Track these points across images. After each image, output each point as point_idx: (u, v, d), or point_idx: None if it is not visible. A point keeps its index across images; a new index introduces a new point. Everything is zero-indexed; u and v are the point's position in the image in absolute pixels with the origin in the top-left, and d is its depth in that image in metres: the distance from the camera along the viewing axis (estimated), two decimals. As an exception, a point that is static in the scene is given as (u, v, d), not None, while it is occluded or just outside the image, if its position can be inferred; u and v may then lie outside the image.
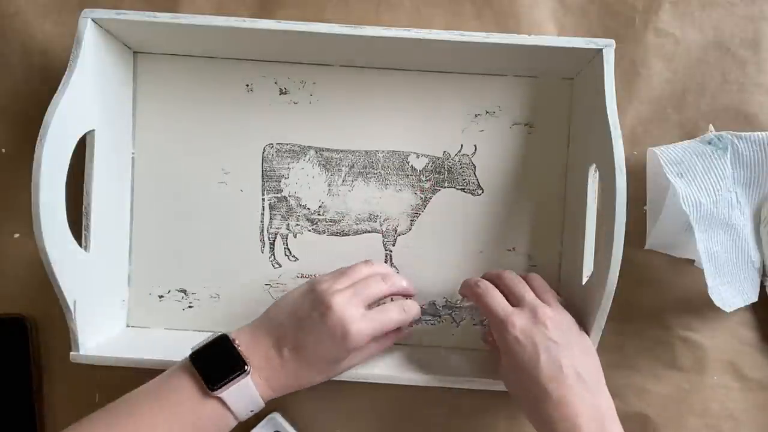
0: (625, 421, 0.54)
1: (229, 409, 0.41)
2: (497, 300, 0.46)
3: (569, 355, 0.43)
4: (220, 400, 0.41)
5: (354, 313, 0.43)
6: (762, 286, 0.53)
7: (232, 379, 0.41)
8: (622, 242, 0.43)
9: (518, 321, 0.44)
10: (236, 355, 0.42)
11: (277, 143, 0.55)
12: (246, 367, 0.41)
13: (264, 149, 0.55)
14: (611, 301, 0.44)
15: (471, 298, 0.48)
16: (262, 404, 0.43)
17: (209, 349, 0.43)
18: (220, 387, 0.41)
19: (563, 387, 0.41)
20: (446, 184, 0.55)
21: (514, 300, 0.46)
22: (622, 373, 0.54)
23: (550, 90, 0.54)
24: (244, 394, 0.42)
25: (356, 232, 0.55)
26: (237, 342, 0.43)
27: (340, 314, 0.43)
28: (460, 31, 0.48)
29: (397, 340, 0.50)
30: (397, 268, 0.55)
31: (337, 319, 0.43)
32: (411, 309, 0.47)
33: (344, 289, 0.45)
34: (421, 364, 0.52)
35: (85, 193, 0.50)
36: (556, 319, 0.45)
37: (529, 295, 0.46)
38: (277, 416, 0.53)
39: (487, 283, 0.48)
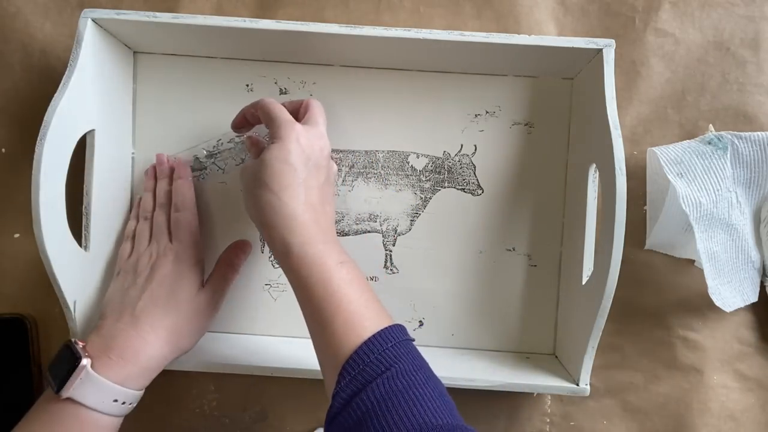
0: (625, 420, 0.55)
1: (85, 405, 0.41)
2: (279, 108, 0.46)
3: (318, 188, 0.45)
4: (72, 400, 0.41)
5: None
6: (762, 286, 0.53)
7: (71, 376, 0.41)
8: (622, 242, 0.43)
9: (299, 126, 0.45)
10: (74, 353, 0.42)
11: (277, 143, 0.55)
12: (79, 361, 0.41)
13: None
14: (611, 301, 0.44)
15: (256, 111, 0.48)
16: (123, 390, 0.42)
17: (57, 357, 0.43)
18: (64, 387, 0.41)
19: (309, 190, 0.44)
20: (446, 184, 0.55)
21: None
22: (622, 373, 0.54)
23: (550, 90, 0.54)
24: (91, 385, 0.41)
25: (356, 232, 0.55)
26: (77, 341, 0.43)
27: (163, 273, 0.47)
28: (460, 31, 0.48)
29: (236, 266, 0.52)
30: (397, 269, 0.55)
31: (162, 276, 0.47)
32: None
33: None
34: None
35: (85, 193, 0.50)
36: (325, 150, 0.46)
37: (312, 115, 0.47)
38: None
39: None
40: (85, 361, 0.41)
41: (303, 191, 0.43)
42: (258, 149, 0.49)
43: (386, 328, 0.39)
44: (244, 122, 0.50)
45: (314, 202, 0.44)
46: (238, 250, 0.53)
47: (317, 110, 0.48)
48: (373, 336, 0.38)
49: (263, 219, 0.43)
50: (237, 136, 0.54)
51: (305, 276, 0.41)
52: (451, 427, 0.34)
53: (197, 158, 0.54)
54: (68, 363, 0.41)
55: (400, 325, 0.41)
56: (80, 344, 0.43)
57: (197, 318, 0.47)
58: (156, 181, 0.53)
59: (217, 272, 0.50)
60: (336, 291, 0.40)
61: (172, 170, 0.53)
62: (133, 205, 0.54)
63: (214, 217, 0.55)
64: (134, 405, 0.44)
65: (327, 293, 0.40)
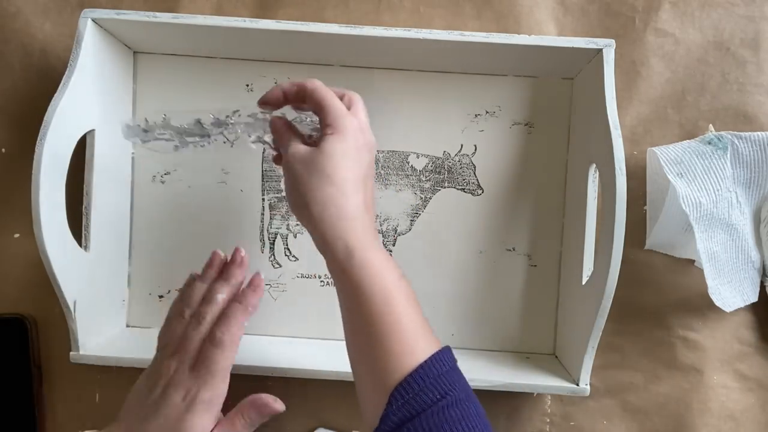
0: (625, 420, 0.55)
1: None
2: (330, 93, 0.43)
3: (366, 182, 0.42)
4: None
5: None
6: (762, 286, 0.53)
7: None
8: (622, 242, 0.43)
9: (361, 115, 0.43)
10: None
11: (277, 143, 0.55)
12: None
13: (264, 149, 0.55)
14: (611, 301, 0.44)
15: (299, 92, 0.43)
16: None
17: None
18: None
19: (366, 192, 0.41)
20: (446, 184, 0.55)
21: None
22: (622, 373, 0.54)
23: (550, 90, 0.54)
24: None
25: (356, 232, 0.55)
26: None
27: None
28: (460, 31, 0.48)
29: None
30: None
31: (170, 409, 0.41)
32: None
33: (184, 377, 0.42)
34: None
35: (85, 193, 0.50)
36: (373, 144, 0.44)
37: (356, 105, 0.44)
38: (323, 431, 0.53)
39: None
40: None
41: (362, 189, 0.40)
42: (289, 136, 0.44)
43: (440, 351, 0.37)
44: (278, 100, 0.45)
45: (370, 203, 0.41)
46: (261, 410, 0.45)
47: (361, 104, 0.45)
48: (429, 359, 0.36)
49: (323, 214, 0.39)
50: (262, 112, 0.47)
51: (367, 285, 0.37)
52: None
53: (200, 122, 0.47)
54: None
55: (449, 349, 0.38)
56: None
57: None
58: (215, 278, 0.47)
59: (229, 422, 0.44)
60: (396, 306, 0.37)
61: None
62: (186, 283, 0.47)
63: (212, 218, 0.55)
64: None
65: (387, 308, 0.37)
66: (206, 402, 0.41)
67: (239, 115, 0.48)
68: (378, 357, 0.36)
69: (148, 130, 0.47)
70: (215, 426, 0.42)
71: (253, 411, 0.44)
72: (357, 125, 0.42)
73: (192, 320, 0.44)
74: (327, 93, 0.42)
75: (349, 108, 0.43)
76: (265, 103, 0.45)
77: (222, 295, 0.45)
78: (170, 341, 0.44)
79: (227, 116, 0.47)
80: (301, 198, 0.40)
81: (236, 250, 0.47)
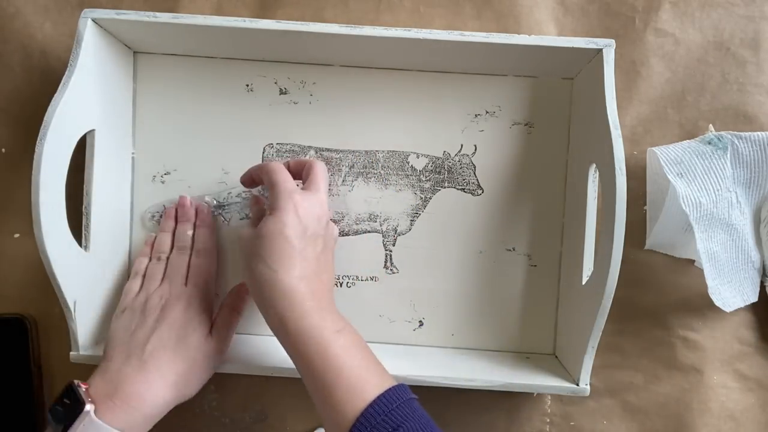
0: (625, 420, 0.55)
1: None
2: (282, 173, 0.46)
3: (313, 246, 0.46)
4: None
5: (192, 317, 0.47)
6: (762, 286, 0.53)
7: (75, 421, 0.40)
8: (622, 242, 0.43)
9: (298, 195, 0.45)
10: (77, 395, 0.41)
11: (277, 143, 0.55)
12: (83, 406, 0.40)
13: (264, 149, 0.55)
14: (611, 301, 0.44)
15: (258, 175, 0.49)
16: None
17: (60, 399, 0.42)
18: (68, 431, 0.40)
19: (305, 262, 0.44)
20: (446, 184, 0.55)
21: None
22: (622, 373, 0.54)
23: (550, 90, 0.54)
24: (93, 430, 0.40)
25: (356, 232, 0.55)
26: (81, 384, 0.42)
27: (176, 319, 0.46)
28: (460, 31, 0.48)
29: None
30: (397, 269, 0.55)
31: (172, 320, 0.46)
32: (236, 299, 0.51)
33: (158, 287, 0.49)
34: (422, 365, 0.52)
35: (85, 193, 0.50)
36: (323, 218, 0.47)
37: (315, 179, 0.48)
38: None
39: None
40: (89, 407, 0.40)
41: (299, 264, 0.43)
42: (259, 210, 0.51)
43: (389, 389, 0.39)
44: (250, 181, 0.50)
45: (310, 273, 0.44)
46: (242, 294, 0.52)
47: (320, 174, 0.48)
48: (378, 398, 0.38)
49: (258, 293, 0.43)
50: (244, 191, 0.54)
51: (302, 350, 0.41)
52: None
53: (207, 204, 0.55)
54: (71, 407, 0.41)
55: (402, 385, 0.41)
56: (83, 387, 0.42)
57: (205, 365, 0.47)
58: (176, 223, 0.53)
59: (221, 318, 0.50)
60: (334, 360, 0.40)
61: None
62: (146, 242, 0.54)
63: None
64: None
65: (326, 364, 0.40)
66: (205, 309, 0.48)
67: (231, 196, 0.55)
68: (330, 408, 0.39)
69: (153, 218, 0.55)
70: (212, 328, 0.48)
71: (237, 301, 0.51)
72: (296, 202, 0.44)
73: (173, 252, 0.52)
74: (275, 173, 0.46)
75: (305, 178, 0.48)
76: (243, 183, 0.51)
77: (190, 231, 0.52)
78: (153, 276, 0.50)
79: (224, 198, 0.55)
80: (244, 274, 0.45)
81: (180, 198, 0.54)
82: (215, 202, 0.54)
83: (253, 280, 0.44)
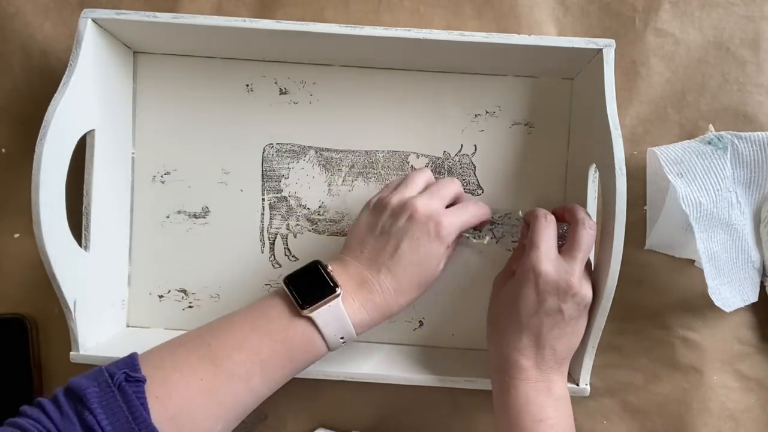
0: (625, 420, 0.55)
1: (319, 330, 0.41)
2: (546, 232, 0.44)
3: (562, 328, 0.44)
4: (310, 320, 0.40)
5: (439, 207, 0.44)
6: (762, 286, 0.53)
7: (323, 300, 0.41)
8: (622, 242, 0.43)
9: (545, 265, 0.43)
10: (327, 277, 0.42)
11: (277, 143, 0.55)
12: (337, 289, 0.41)
13: (264, 149, 0.55)
14: (611, 301, 0.44)
15: (528, 222, 0.47)
16: (352, 332, 0.42)
17: (302, 273, 0.42)
18: (311, 307, 0.40)
19: (537, 347, 0.44)
20: (446, 184, 0.55)
21: (567, 247, 0.45)
22: (622, 373, 0.54)
23: (550, 90, 0.54)
24: (334, 316, 0.41)
25: (356, 232, 0.55)
26: (330, 267, 0.43)
27: (427, 211, 0.43)
28: (460, 31, 0.48)
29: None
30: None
31: (426, 216, 0.43)
32: (484, 205, 0.48)
33: (418, 194, 0.45)
34: (421, 364, 0.52)
35: (85, 193, 0.50)
36: (583, 299, 0.44)
37: (578, 247, 0.44)
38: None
39: (553, 218, 0.46)
40: (340, 291, 0.41)
41: (523, 336, 0.44)
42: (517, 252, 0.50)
43: None
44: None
45: (532, 344, 0.44)
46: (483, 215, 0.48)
47: (585, 243, 0.44)
48: None
49: (487, 335, 0.48)
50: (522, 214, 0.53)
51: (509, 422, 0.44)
52: None
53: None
54: (322, 285, 0.41)
55: None
56: (330, 269, 0.42)
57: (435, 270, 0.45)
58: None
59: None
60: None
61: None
62: None
63: (212, 218, 0.55)
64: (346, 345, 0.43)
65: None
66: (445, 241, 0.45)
67: (509, 217, 0.54)
68: None
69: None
70: None
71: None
72: (541, 273, 0.43)
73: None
74: (541, 233, 0.45)
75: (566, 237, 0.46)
76: (526, 220, 0.48)
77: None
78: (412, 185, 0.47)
79: (500, 216, 0.54)
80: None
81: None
82: (496, 215, 0.54)
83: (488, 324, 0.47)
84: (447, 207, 0.46)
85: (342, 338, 0.42)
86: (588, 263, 0.46)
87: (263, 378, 0.40)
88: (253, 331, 0.41)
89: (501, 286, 0.47)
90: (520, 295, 0.44)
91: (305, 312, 0.40)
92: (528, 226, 0.47)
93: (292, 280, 0.42)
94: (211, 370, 0.38)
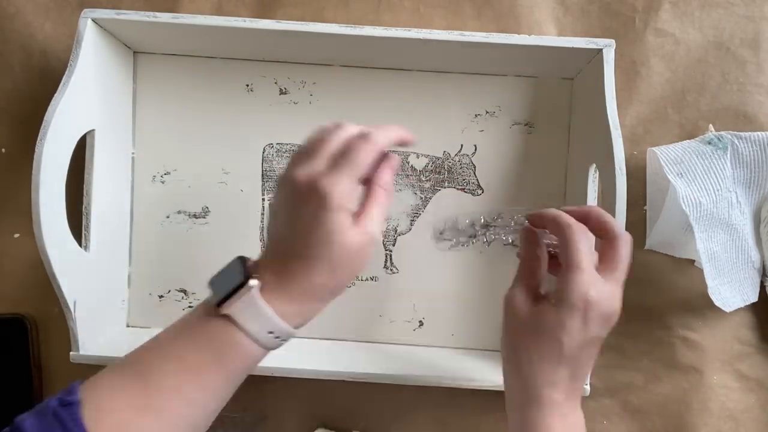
0: (625, 420, 0.55)
1: (240, 328, 0.37)
2: (586, 248, 0.39)
3: (593, 350, 0.40)
4: (228, 318, 0.38)
5: (317, 169, 0.38)
6: (762, 286, 0.53)
7: (236, 295, 0.37)
8: (622, 242, 0.43)
9: (594, 292, 0.37)
10: (243, 271, 0.38)
11: (277, 143, 0.55)
12: (250, 281, 0.38)
13: (264, 149, 0.55)
14: (611, 301, 0.44)
15: (552, 230, 0.41)
16: (283, 325, 0.38)
17: (224, 271, 0.40)
18: (225, 303, 0.38)
19: (575, 379, 0.40)
20: (446, 184, 0.55)
21: (601, 253, 0.40)
22: (622, 373, 0.54)
23: (550, 90, 0.54)
24: (252, 310, 0.38)
25: (356, 232, 0.55)
26: (250, 261, 0.40)
27: (302, 177, 0.38)
28: (460, 31, 0.48)
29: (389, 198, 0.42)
30: (397, 269, 0.55)
31: (300, 185, 0.38)
32: (375, 134, 0.40)
33: (326, 170, 0.39)
34: (421, 364, 0.52)
35: (85, 193, 0.50)
36: (613, 316, 0.39)
37: (622, 267, 0.40)
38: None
39: (582, 225, 0.40)
40: (255, 283, 0.37)
41: (561, 370, 0.39)
42: (531, 265, 0.42)
43: None
44: (540, 222, 0.42)
45: (565, 379, 0.39)
46: (387, 168, 0.42)
47: (625, 255, 0.40)
48: None
49: (504, 375, 0.42)
50: (518, 216, 0.48)
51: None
52: None
53: (473, 225, 0.49)
54: (237, 280, 0.38)
55: None
56: (250, 262, 0.40)
57: (355, 255, 0.39)
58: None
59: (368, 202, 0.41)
60: None
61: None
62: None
63: (212, 218, 0.55)
64: (284, 343, 0.40)
65: None
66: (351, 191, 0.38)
67: (501, 218, 0.49)
68: None
69: (441, 233, 0.50)
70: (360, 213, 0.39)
71: (384, 172, 0.41)
72: (591, 303, 0.38)
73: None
74: (577, 249, 0.38)
75: (600, 253, 0.40)
76: (534, 224, 0.43)
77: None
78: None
79: (494, 218, 0.49)
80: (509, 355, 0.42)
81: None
82: (482, 220, 0.49)
83: (507, 362, 0.41)
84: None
85: (272, 333, 0.38)
86: None
87: (198, 387, 0.38)
88: (177, 338, 0.39)
89: (527, 311, 0.40)
90: (564, 325, 0.38)
91: (221, 310, 0.38)
92: (533, 231, 0.43)
93: (214, 280, 0.40)
94: (142, 385, 0.37)
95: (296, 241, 0.39)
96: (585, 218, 0.41)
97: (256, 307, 0.38)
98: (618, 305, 0.39)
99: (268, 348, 0.39)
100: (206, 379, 0.38)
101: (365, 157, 0.39)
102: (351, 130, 0.41)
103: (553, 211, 0.41)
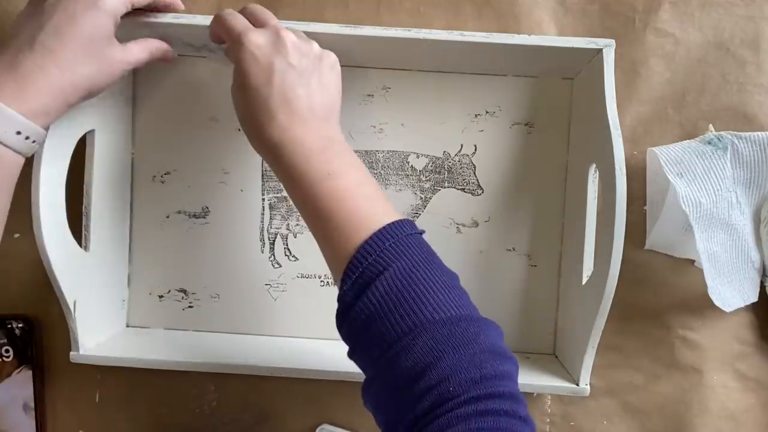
0: (625, 420, 0.55)
1: None
2: (238, 19, 0.43)
3: (305, 84, 0.41)
4: None
5: None
6: (762, 286, 0.53)
7: None
8: (622, 242, 0.43)
9: (258, 38, 0.41)
10: None
11: (277, 143, 0.55)
12: None
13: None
14: (611, 301, 0.44)
15: (214, 27, 0.45)
16: (25, 122, 0.38)
17: None
18: None
19: (293, 114, 0.40)
20: (446, 184, 0.55)
21: (256, 23, 0.43)
22: (622, 373, 0.54)
23: (550, 90, 0.54)
24: None
25: (356, 232, 0.55)
26: None
27: None
28: (460, 31, 0.48)
29: (163, 56, 0.48)
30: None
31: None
32: None
33: None
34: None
35: (85, 193, 0.50)
36: (300, 45, 0.42)
37: (273, 21, 0.44)
38: (327, 427, 0.53)
39: (231, 10, 0.44)
40: None
41: (276, 115, 0.40)
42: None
43: (386, 225, 0.38)
44: (216, 37, 0.46)
45: (295, 119, 0.41)
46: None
47: (260, 10, 0.44)
48: (372, 235, 0.37)
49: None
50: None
51: (297, 195, 0.41)
52: (455, 318, 0.34)
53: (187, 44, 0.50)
54: None
55: (405, 221, 0.39)
56: None
57: (97, 61, 0.41)
58: None
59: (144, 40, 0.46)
60: (324, 203, 0.39)
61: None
62: None
63: (212, 218, 0.55)
64: (39, 144, 0.40)
65: (316, 209, 0.40)
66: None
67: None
68: (328, 240, 0.39)
69: None
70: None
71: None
72: (253, 42, 0.41)
73: None
74: (222, 20, 0.43)
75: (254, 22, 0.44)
76: (212, 36, 0.46)
77: None
78: None
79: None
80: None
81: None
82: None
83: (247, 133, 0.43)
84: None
85: (20, 133, 0.38)
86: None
87: None
88: None
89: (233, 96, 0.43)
90: (246, 70, 0.41)
91: None
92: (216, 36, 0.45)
93: None
94: None
95: (38, 33, 0.39)
96: (243, 11, 0.45)
97: None
98: (284, 34, 0.41)
99: (21, 152, 0.39)
100: None
101: None
102: None
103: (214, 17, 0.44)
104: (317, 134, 0.41)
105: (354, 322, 0.36)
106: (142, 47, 0.45)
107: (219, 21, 0.43)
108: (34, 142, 0.39)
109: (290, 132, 0.40)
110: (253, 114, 0.41)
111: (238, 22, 0.42)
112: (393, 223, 0.38)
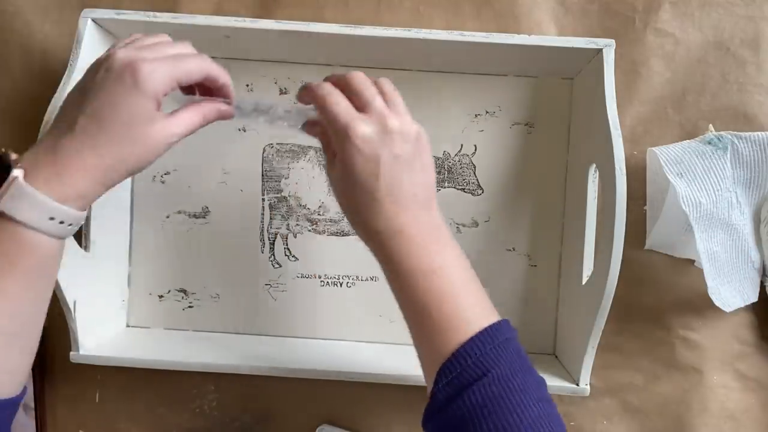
0: (625, 420, 0.55)
1: (16, 220, 0.36)
2: (342, 104, 0.40)
3: (409, 170, 0.40)
4: (4, 216, 0.36)
5: (142, 55, 0.38)
6: (762, 286, 0.53)
7: (1, 189, 0.36)
8: (622, 242, 0.43)
9: (364, 130, 0.39)
10: (5, 163, 0.36)
11: (277, 143, 0.55)
12: (13, 171, 0.36)
13: (264, 149, 0.55)
14: (611, 301, 0.44)
15: (312, 101, 0.41)
16: (60, 207, 0.37)
17: None
18: None
19: (398, 204, 0.39)
20: (446, 184, 0.55)
21: (360, 105, 0.40)
22: (622, 373, 0.54)
23: (550, 90, 0.54)
24: (24, 200, 0.36)
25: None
26: (14, 155, 0.37)
27: (124, 57, 0.38)
28: (460, 31, 0.48)
29: (220, 116, 0.44)
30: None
31: (121, 63, 0.38)
32: (205, 58, 0.41)
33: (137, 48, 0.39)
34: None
35: (85, 193, 0.50)
36: (403, 130, 0.40)
37: (378, 102, 0.40)
38: (327, 427, 0.53)
39: (330, 85, 0.41)
40: (17, 172, 0.36)
41: (382, 207, 0.39)
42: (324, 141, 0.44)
43: (487, 328, 0.38)
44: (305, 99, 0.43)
45: (399, 209, 0.40)
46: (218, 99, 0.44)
47: (367, 89, 0.41)
48: (474, 336, 0.37)
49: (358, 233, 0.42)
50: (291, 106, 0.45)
51: (400, 289, 0.40)
52: None
53: (238, 107, 0.46)
54: (2, 175, 0.36)
55: (503, 322, 0.39)
56: (14, 156, 0.37)
57: (141, 143, 0.39)
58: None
59: (186, 107, 0.42)
60: (423, 297, 0.39)
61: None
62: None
63: (212, 218, 0.55)
64: (76, 227, 0.39)
65: (415, 304, 0.39)
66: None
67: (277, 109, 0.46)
68: (427, 335, 0.39)
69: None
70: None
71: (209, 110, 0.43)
72: (360, 135, 0.39)
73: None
74: (331, 101, 0.40)
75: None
76: (300, 100, 0.44)
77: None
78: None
79: (271, 107, 0.46)
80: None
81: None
82: (255, 104, 0.46)
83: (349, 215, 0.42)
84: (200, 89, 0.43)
85: (54, 219, 0.37)
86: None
87: None
88: None
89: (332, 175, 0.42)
90: (352, 163, 0.39)
91: None
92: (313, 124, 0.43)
93: None
94: None
95: (79, 117, 0.38)
96: (342, 82, 0.41)
97: (27, 196, 0.36)
98: (392, 121, 0.40)
99: (57, 236, 0.38)
100: (3, 285, 0.36)
101: (191, 63, 0.40)
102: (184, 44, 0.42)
103: (308, 84, 0.41)
104: (422, 222, 0.40)
105: (448, 420, 0.36)
106: (193, 113, 0.42)
107: (321, 102, 0.40)
108: (70, 225, 0.38)
109: (395, 221, 0.40)
110: (358, 206, 0.40)
111: (342, 109, 0.40)
112: (493, 325, 0.38)
